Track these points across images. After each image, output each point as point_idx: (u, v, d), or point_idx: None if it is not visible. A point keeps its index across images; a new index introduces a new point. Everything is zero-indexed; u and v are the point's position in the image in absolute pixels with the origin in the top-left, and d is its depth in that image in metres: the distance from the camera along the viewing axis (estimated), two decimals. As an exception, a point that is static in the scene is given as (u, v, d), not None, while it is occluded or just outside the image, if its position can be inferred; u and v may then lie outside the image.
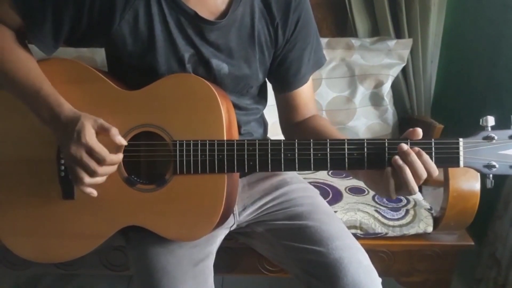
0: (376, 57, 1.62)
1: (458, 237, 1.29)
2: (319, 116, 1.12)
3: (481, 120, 0.82)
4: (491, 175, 0.83)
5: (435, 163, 0.83)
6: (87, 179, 0.85)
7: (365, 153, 0.86)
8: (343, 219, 1.25)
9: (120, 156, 0.89)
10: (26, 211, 0.97)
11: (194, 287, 0.91)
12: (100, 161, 0.85)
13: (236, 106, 1.01)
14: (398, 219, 1.26)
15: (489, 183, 0.84)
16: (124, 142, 0.88)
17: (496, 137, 0.82)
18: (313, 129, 1.05)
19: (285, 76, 1.06)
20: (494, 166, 0.82)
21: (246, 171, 0.90)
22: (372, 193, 1.38)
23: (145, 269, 0.93)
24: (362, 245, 0.99)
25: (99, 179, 0.87)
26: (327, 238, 0.97)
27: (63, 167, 0.95)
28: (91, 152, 0.84)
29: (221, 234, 1.07)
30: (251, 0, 0.97)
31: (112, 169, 0.88)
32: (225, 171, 0.91)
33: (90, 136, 0.84)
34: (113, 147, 0.87)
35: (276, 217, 1.06)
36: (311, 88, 1.12)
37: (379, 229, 1.25)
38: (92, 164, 0.84)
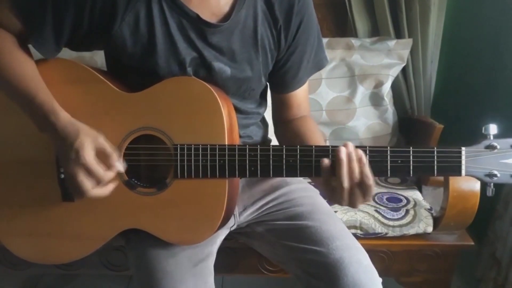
0: (376, 57, 1.62)
1: (458, 237, 1.29)
2: (308, 119, 1.12)
3: (483, 128, 0.82)
4: (492, 184, 0.83)
5: (437, 171, 0.83)
6: (84, 196, 0.85)
7: (367, 160, 0.85)
8: (343, 219, 1.25)
9: (112, 174, 0.86)
10: (26, 212, 0.97)
11: (194, 287, 0.91)
12: (98, 182, 0.84)
13: (238, 110, 1.00)
14: (398, 219, 1.26)
15: (490, 191, 0.83)
16: (122, 170, 0.88)
17: (498, 146, 0.82)
18: (297, 131, 1.06)
19: (283, 78, 1.06)
20: (495, 175, 0.82)
21: (247, 176, 0.90)
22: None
23: (145, 270, 0.93)
24: (362, 245, 0.99)
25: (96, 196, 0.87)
26: (327, 238, 0.97)
27: (62, 170, 0.94)
28: (88, 172, 0.83)
29: (222, 234, 1.07)
30: (254, 2, 0.96)
31: (106, 191, 0.87)
32: (226, 176, 0.90)
33: (88, 157, 0.83)
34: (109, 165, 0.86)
35: (276, 217, 1.06)
36: (307, 89, 1.13)
37: (379, 229, 1.25)
38: (87, 185, 0.83)
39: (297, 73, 1.06)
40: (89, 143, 0.84)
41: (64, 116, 0.87)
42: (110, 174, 0.86)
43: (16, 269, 1.33)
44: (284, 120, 1.12)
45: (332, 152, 0.85)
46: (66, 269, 1.33)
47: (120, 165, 0.87)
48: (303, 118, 1.11)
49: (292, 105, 1.11)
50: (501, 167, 0.82)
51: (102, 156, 0.85)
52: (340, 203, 0.86)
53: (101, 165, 0.84)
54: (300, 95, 1.11)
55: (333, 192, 0.85)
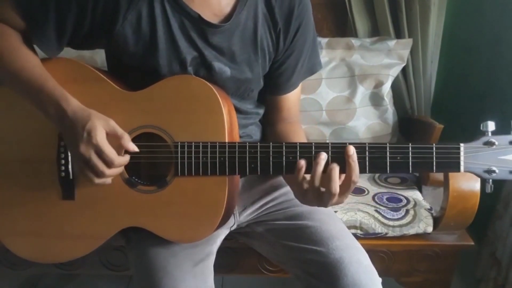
0: (376, 57, 1.62)
1: (458, 237, 1.29)
2: (296, 124, 1.13)
3: (481, 125, 0.83)
4: (490, 180, 0.83)
5: (436, 167, 0.84)
6: (96, 179, 0.86)
7: (367, 157, 0.85)
8: (343, 219, 1.25)
9: (127, 158, 0.89)
10: (26, 211, 0.97)
11: (194, 287, 0.91)
12: (109, 164, 0.85)
13: (237, 110, 1.00)
14: (398, 219, 1.26)
15: (489, 188, 0.84)
16: (136, 149, 0.89)
17: (496, 143, 0.82)
18: (281, 134, 1.09)
19: (276, 81, 1.07)
20: (494, 171, 0.83)
21: (247, 174, 0.90)
22: (372, 193, 1.38)
23: (145, 269, 0.93)
24: (362, 245, 0.99)
25: (107, 180, 0.88)
26: (327, 238, 0.97)
27: (63, 168, 0.95)
28: (100, 153, 0.84)
29: (222, 234, 1.07)
30: (255, 4, 0.96)
31: (119, 170, 0.89)
32: (227, 174, 0.90)
33: (101, 137, 0.84)
34: (120, 149, 0.87)
35: (276, 217, 1.07)
36: (298, 93, 1.14)
37: (379, 229, 1.25)
38: (101, 165, 0.84)
39: (291, 76, 1.06)
40: (101, 125, 0.85)
41: (74, 102, 0.88)
42: (124, 158, 0.87)
43: (16, 269, 1.33)
44: (272, 121, 1.13)
45: (332, 148, 0.86)
46: (66, 269, 1.33)
47: (134, 146, 0.88)
48: (291, 123, 1.12)
49: (282, 108, 1.11)
50: (499, 163, 0.82)
51: (113, 140, 0.86)
52: (311, 203, 0.88)
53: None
54: (291, 99, 1.11)
55: (306, 192, 0.87)
